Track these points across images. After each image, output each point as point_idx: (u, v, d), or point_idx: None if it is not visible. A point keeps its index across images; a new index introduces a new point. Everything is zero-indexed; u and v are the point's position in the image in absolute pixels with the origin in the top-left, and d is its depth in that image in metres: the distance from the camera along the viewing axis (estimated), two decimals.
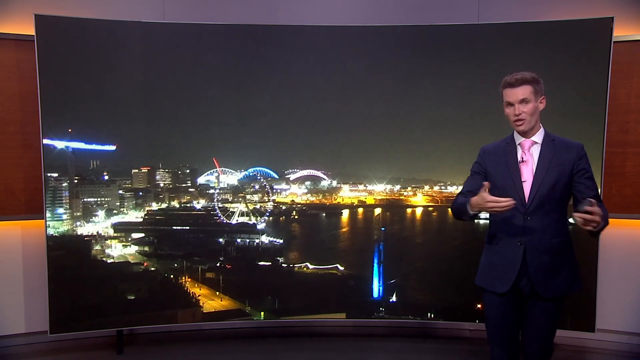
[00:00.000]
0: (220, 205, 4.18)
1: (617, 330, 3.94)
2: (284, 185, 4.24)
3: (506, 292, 2.44)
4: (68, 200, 3.81)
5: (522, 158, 2.46)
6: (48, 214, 3.68)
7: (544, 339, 2.48)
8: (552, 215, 2.42)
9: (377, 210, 4.18)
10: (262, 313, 4.07)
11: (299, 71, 3.93)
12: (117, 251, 3.99)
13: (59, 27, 3.60)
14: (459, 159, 3.89)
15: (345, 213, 4.30)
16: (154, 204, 4.11)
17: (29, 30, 3.55)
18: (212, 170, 4.11)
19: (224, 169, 4.10)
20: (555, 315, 2.46)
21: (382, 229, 4.12)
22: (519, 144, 2.48)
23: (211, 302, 4.03)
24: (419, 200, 4.15)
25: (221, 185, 4.18)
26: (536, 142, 2.46)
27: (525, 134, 2.46)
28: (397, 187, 4.14)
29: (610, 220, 3.83)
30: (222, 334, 4.24)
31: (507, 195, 2.33)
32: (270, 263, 4.12)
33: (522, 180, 2.44)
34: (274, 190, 4.23)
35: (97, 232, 3.94)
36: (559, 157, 2.40)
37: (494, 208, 2.26)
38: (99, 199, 3.95)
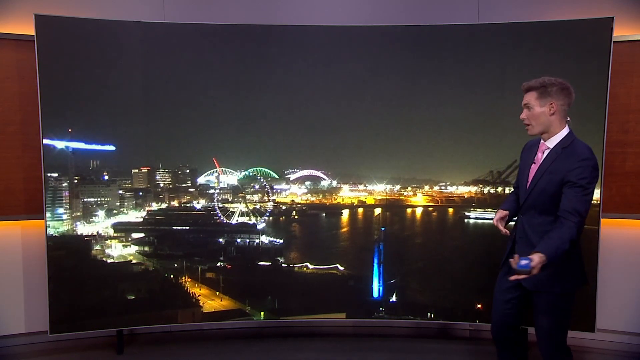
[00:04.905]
0: (220, 205, 4.18)
1: (617, 330, 3.94)
2: (284, 185, 4.24)
3: None
4: (68, 200, 3.80)
5: (534, 159, 2.56)
6: (48, 214, 3.68)
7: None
8: (543, 218, 2.47)
9: (377, 210, 4.18)
10: (262, 313, 4.07)
11: (299, 71, 3.93)
12: (117, 251, 3.98)
13: (59, 27, 3.60)
14: (459, 159, 3.90)
15: (345, 213, 4.30)
16: (154, 204, 4.11)
17: (29, 30, 3.55)
18: (212, 170, 4.11)
19: (224, 169, 4.09)
20: (543, 310, 2.54)
21: (382, 229, 4.11)
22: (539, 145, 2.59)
23: (211, 302, 4.03)
24: (419, 200, 4.15)
25: (221, 185, 4.18)
26: (548, 147, 2.51)
27: (543, 137, 2.53)
28: (397, 187, 4.14)
29: (610, 220, 3.84)
30: (222, 334, 4.24)
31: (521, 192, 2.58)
32: (270, 263, 4.12)
33: (528, 180, 2.55)
34: (274, 190, 4.23)
35: (97, 232, 3.94)
36: (556, 165, 2.43)
37: None
38: (99, 199, 3.95)
